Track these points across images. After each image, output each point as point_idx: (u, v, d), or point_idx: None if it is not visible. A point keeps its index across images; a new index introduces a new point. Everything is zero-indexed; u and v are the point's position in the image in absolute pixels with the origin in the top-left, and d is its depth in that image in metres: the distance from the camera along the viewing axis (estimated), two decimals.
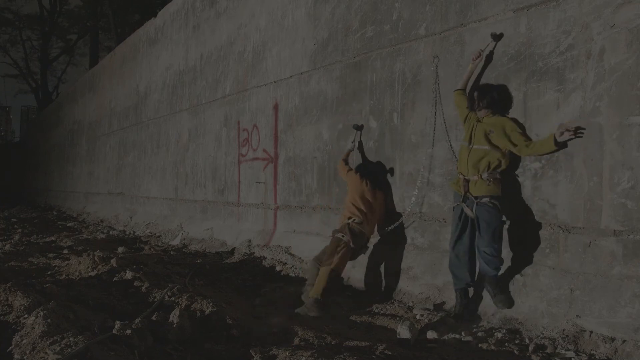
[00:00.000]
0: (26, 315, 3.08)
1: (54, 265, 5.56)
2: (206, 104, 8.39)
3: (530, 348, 3.10)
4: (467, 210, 3.66)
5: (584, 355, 2.99)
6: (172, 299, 3.71)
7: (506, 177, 3.69)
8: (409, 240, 4.59)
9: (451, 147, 4.19)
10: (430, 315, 3.78)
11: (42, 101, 31.21)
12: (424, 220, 4.48)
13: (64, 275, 4.90)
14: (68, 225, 11.51)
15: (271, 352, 2.79)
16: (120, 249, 6.84)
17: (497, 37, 3.85)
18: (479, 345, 3.22)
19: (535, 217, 3.63)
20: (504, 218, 3.68)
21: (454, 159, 4.19)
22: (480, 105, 3.71)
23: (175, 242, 8.01)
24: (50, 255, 6.42)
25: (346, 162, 5.01)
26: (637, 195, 3.09)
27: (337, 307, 4.17)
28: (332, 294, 4.22)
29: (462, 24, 4.18)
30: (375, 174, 4.79)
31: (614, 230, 3.19)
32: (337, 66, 5.51)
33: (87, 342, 2.51)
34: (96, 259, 5.07)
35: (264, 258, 6.01)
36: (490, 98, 3.69)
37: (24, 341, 2.68)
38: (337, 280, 4.42)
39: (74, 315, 3.01)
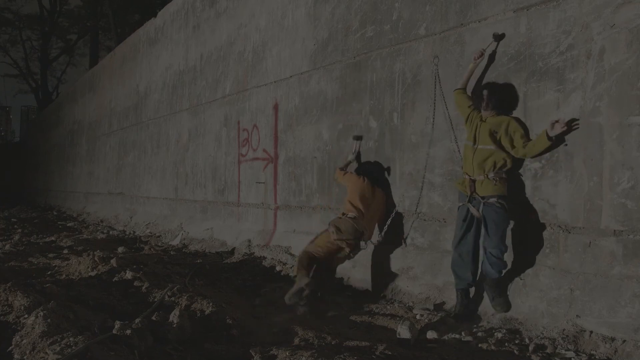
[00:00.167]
0: (26, 315, 3.08)
1: (54, 265, 5.55)
2: (206, 104, 8.39)
3: (530, 348, 3.10)
4: (474, 211, 3.64)
5: (584, 355, 2.99)
6: (172, 299, 3.71)
7: (509, 176, 3.69)
8: (409, 240, 4.58)
9: (457, 146, 4.17)
10: (430, 315, 3.78)
11: (42, 101, 31.20)
12: (424, 220, 4.48)
13: (64, 275, 4.90)
14: (68, 225, 11.52)
15: (271, 352, 2.79)
16: (120, 249, 6.83)
17: (499, 37, 3.85)
18: (479, 345, 3.22)
19: (535, 217, 3.63)
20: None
21: (454, 159, 4.19)
22: (488, 105, 3.69)
23: (175, 242, 8.01)
24: (50, 255, 6.41)
25: (344, 171, 5.00)
26: (637, 195, 3.09)
27: (337, 307, 4.17)
28: (325, 289, 4.21)
29: (462, 24, 4.19)
30: (374, 174, 4.79)
31: (614, 230, 3.19)
32: (337, 66, 5.51)
33: (87, 342, 2.51)
34: (96, 259, 5.07)
35: (264, 258, 6.01)
36: (499, 98, 3.68)
37: (24, 341, 2.68)
38: (313, 261, 4.28)
39: (74, 315, 3.01)
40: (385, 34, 4.91)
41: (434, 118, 4.35)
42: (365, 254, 4.77)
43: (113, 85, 13.45)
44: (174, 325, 3.08)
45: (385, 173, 4.85)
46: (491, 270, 3.57)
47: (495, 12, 3.93)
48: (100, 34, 27.84)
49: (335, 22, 5.55)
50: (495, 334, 3.38)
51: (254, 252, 6.33)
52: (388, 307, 4.13)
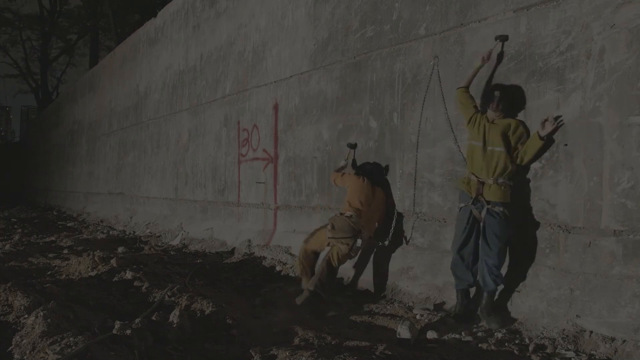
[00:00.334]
0: (26, 315, 3.08)
1: (54, 265, 5.55)
2: (206, 104, 8.39)
3: (530, 348, 3.10)
4: (477, 213, 3.63)
5: (584, 355, 2.99)
6: (172, 299, 3.70)
7: (513, 182, 3.68)
8: (408, 240, 4.58)
9: (457, 146, 4.17)
10: (430, 315, 3.78)
11: (42, 101, 31.19)
12: (424, 220, 4.48)
13: (64, 275, 4.90)
14: (68, 225, 11.52)
15: (271, 352, 2.79)
16: (120, 249, 6.83)
17: (503, 39, 3.83)
18: (479, 345, 3.22)
19: (535, 217, 3.63)
20: None
21: (454, 159, 4.19)
22: (498, 106, 3.63)
23: (175, 242, 8.01)
24: (50, 255, 6.41)
25: (340, 173, 5.03)
26: (637, 195, 3.09)
27: (337, 307, 4.17)
28: (327, 288, 4.23)
29: (462, 24, 4.18)
30: (374, 174, 4.79)
31: (614, 230, 3.19)
32: (337, 66, 5.51)
33: (87, 342, 2.51)
34: (96, 259, 5.07)
35: (264, 258, 6.01)
36: (509, 99, 3.65)
37: (24, 341, 2.68)
38: (315, 259, 4.55)
39: (74, 315, 3.01)
40: (385, 34, 4.91)
41: (426, 120, 4.35)
42: (365, 254, 4.78)
43: (113, 85, 13.45)
44: (174, 325, 3.08)
45: (386, 173, 4.85)
46: (489, 280, 3.56)
47: (495, 12, 3.93)
48: (100, 34, 27.84)
49: (335, 22, 5.55)
50: (495, 334, 3.38)
51: (254, 252, 6.33)
52: (388, 307, 4.13)
